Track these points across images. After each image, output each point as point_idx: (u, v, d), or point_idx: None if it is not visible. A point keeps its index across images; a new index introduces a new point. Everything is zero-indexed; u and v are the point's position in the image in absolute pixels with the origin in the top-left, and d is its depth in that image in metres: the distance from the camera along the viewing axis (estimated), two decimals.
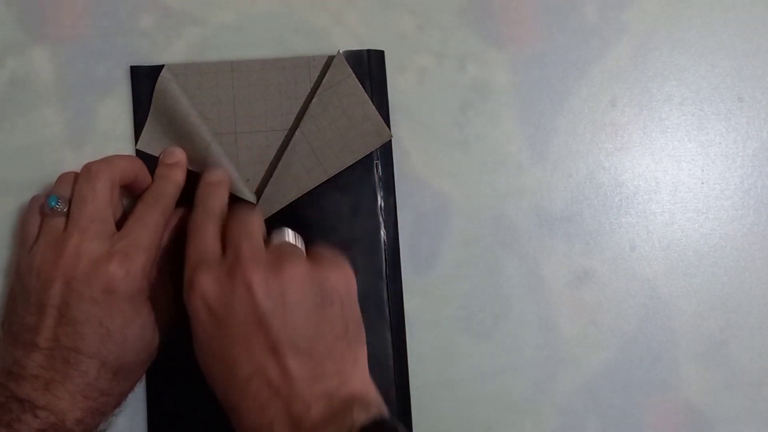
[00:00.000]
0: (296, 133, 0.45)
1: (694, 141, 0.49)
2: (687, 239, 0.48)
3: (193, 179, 0.44)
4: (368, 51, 0.47)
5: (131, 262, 0.39)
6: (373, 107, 0.46)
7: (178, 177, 0.44)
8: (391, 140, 0.46)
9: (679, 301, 0.48)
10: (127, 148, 0.46)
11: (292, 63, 0.46)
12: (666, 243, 0.48)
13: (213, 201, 0.42)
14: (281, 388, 0.36)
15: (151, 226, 0.41)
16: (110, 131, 0.46)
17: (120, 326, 0.39)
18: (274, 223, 0.45)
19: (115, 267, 0.39)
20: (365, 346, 0.39)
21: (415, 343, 0.46)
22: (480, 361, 0.46)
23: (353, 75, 0.46)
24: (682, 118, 0.49)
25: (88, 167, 0.41)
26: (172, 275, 0.43)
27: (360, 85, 0.46)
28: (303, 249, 0.41)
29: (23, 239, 0.41)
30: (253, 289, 0.36)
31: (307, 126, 0.45)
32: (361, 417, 0.35)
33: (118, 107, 0.46)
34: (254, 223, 0.40)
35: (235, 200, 0.44)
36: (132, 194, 0.44)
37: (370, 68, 0.47)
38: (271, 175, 0.45)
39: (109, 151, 0.46)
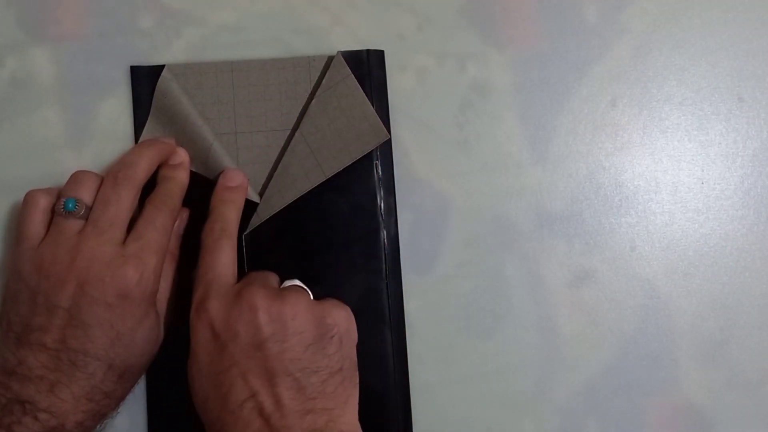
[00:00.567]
0: (296, 134, 0.45)
1: (694, 141, 0.49)
2: (687, 239, 0.48)
3: (193, 179, 0.45)
4: (368, 51, 0.47)
5: (144, 266, 0.39)
6: (372, 108, 0.46)
7: (183, 178, 0.44)
8: (391, 140, 0.46)
9: (679, 301, 0.48)
10: (127, 148, 0.46)
11: (292, 63, 0.46)
12: (666, 243, 0.48)
13: (230, 212, 0.43)
14: (272, 417, 0.36)
15: (161, 229, 0.41)
16: (110, 131, 0.46)
17: (130, 329, 0.39)
18: (274, 223, 0.45)
19: (129, 271, 0.39)
20: (357, 390, 0.39)
21: (415, 343, 0.46)
22: (480, 361, 0.46)
23: (352, 76, 0.46)
24: (682, 118, 0.49)
25: (114, 172, 0.41)
26: (174, 277, 0.43)
27: (359, 86, 0.46)
28: (311, 295, 0.41)
29: (22, 237, 0.41)
30: (258, 313, 0.37)
31: (306, 127, 0.45)
32: None
33: (118, 107, 0.46)
34: (269, 274, 0.42)
35: None
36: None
37: (369, 68, 0.47)
38: (271, 176, 0.45)
39: (109, 152, 0.46)
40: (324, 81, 0.46)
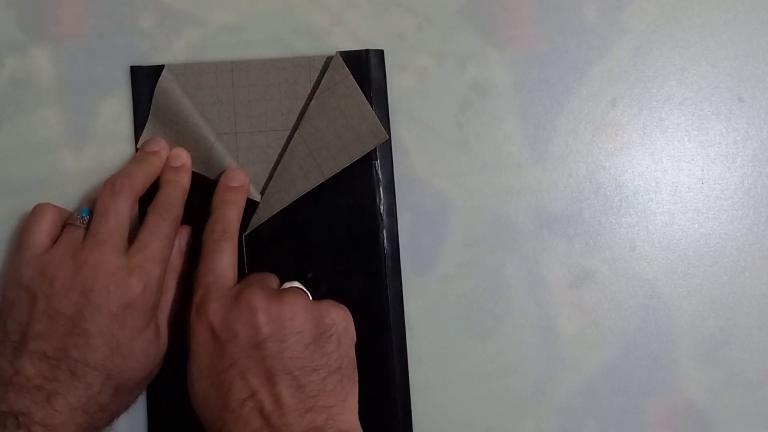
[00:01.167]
0: (295, 135, 0.45)
1: (694, 141, 0.49)
2: (687, 239, 0.48)
3: (194, 180, 0.45)
4: (368, 51, 0.47)
5: (149, 277, 0.40)
6: (370, 108, 0.46)
7: (186, 181, 0.44)
8: (390, 140, 0.46)
9: (679, 301, 0.48)
10: (127, 148, 0.46)
11: (292, 63, 0.46)
12: (666, 243, 0.48)
13: (232, 212, 0.43)
14: (272, 416, 0.36)
15: (164, 238, 0.41)
16: (110, 131, 0.46)
17: (129, 339, 0.39)
18: (275, 223, 0.45)
19: (134, 281, 0.39)
20: (357, 388, 0.40)
21: (415, 343, 0.46)
22: (480, 361, 0.46)
23: (351, 76, 0.46)
24: (682, 118, 0.49)
25: (112, 182, 0.41)
26: (176, 292, 0.43)
27: (357, 86, 0.46)
28: (309, 296, 0.41)
29: (27, 245, 0.41)
30: (257, 313, 0.38)
31: (306, 128, 0.45)
32: None
33: (118, 107, 0.46)
34: (268, 276, 0.43)
35: None
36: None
37: (369, 68, 0.47)
38: (271, 177, 0.45)
39: (109, 152, 0.46)
40: (323, 82, 0.46)
